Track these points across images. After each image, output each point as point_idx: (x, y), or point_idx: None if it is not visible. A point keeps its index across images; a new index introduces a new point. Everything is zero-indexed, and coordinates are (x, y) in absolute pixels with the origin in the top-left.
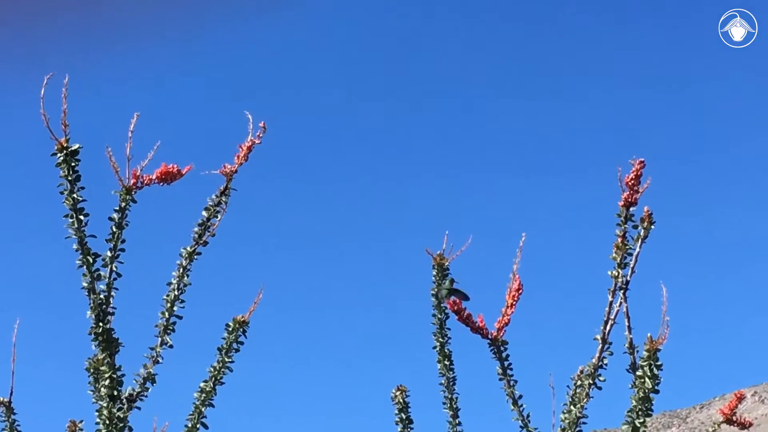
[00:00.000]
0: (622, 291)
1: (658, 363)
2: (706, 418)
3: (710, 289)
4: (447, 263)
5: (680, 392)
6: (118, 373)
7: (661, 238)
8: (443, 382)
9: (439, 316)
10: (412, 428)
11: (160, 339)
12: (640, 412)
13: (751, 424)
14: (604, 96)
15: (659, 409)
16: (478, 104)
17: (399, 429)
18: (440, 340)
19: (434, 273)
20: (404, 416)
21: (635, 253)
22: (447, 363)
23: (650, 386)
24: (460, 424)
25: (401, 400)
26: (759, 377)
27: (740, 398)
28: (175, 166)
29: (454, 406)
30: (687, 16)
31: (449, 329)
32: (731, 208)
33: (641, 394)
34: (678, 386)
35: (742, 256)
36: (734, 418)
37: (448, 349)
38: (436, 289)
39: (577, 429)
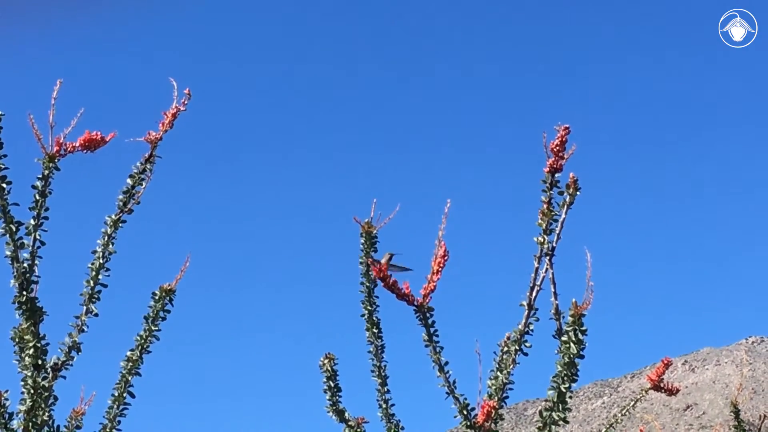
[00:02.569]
0: (547, 257)
1: (583, 328)
2: (636, 387)
3: (641, 258)
4: (375, 231)
5: (612, 361)
6: (43, 342)
7: (587, 204)
8: (371, 350)
9: (367, 284)
10: (340, 396)
11: (85, 307)
12: (565, 378)
13: (678, 391)
14: (602, 94)
15: (591, 378)
16: (407, 71)
17: (327, 397)
18: (368, 308)
19: (362, 241)
20: (332, 384)
21: (561, 220)
22: (375, 331)
23: (575, 351)
24: (388, 391)
25: (329, 368)
26: (689, 346)
27: (667, 365)
28: (99, 133)
29: (383, 374)
30: (687, 16)
31: (377, 297)
32: (674, 181)
33: (566, 360)
34: (609, 356)
35: (673, 224)
36: (662, 385)
37: (376, 317)
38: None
39: (504, 395)
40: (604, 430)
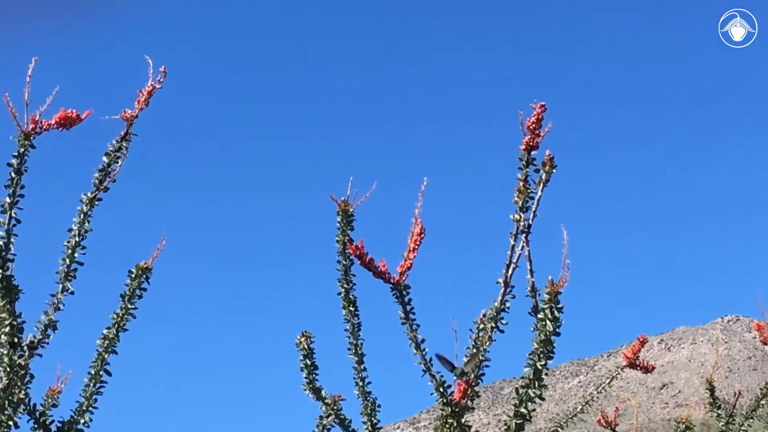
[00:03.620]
0: (524, 234)
1: (559, 306)
2: (613, 366)
3: (617, 237)
4: (352, 209)
5: (588, 341)
6: (19, 320)
7: (565, 183)
8: (348, 328)
9: (344, 263)
10: (317, 374)
11: (61, 285)
12: (541, 355)
13: (653, 368)
14: (602, 94)
15: (567, 357)
16: (384, 49)
17: (304, 375)
18: (345, 286)
19: (339, 219)
20: (309, 362)
21: (537, 197)
22: (352, 309)
23: (551, 329)
24: (365, 369)
25: (306, 347)
26: (665, 325)
27: (643, 342)
28: (75, 111)
29: (359, 352)
30: (687, 16)
31: (354, 276)
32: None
33: (542, 337)
34: (586, 335)
35: (650, 205)
36: (637, 362)
37: (353, 296)
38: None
39: (480, 372)
40: (580, 407)
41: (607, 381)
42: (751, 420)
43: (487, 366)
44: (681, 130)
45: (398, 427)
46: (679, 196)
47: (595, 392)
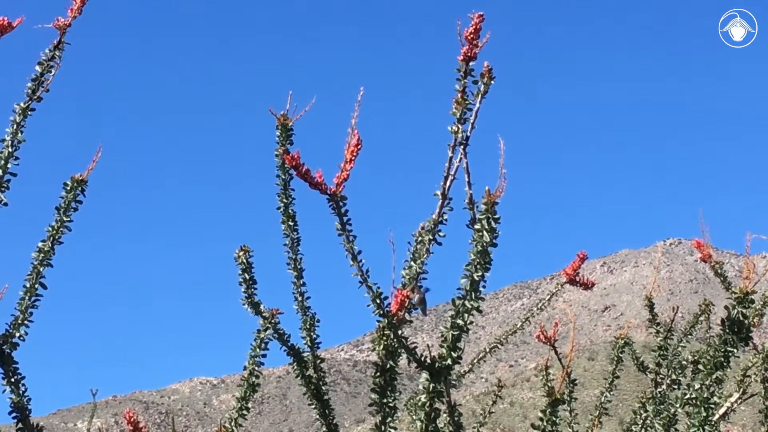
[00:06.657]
0: (462, 146)
1: (496, 216)
2: (555, 288)
3: (559, 157)
4: (291, 123)
5: (531, 264)
6: None
7: (502, 93)
8: (287, 243)
9: (283, 177)
10: (255, 288)
11: None
12: (478, 266)
13: (593, 284)
14: (602, 94)
15: (511, 280)
16: None
17: (243, 289)
18: (284, 200)
19: (278, 133)
20: (248, 276)
21: (475, 109)
22: (291, 224)
23: (488, 240)
24: (304, 284)
25: (244, 261)
26: (608, 248)
27: (583, 258)
28: (6, 18)
29: (298, 267)
30: (687, 16)
31: (293, 190)
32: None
33: (479, 248)
34: (529, 258)
35: (594, 125)
36: (577, 279)
37: (292, 210)
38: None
39: (418, 284)
40: (520, 323)
41: (548, 297)
42: (689, 337)
43: (424, 278)
44: (681, 128)
45: (342, 350)
46: (623, 115)
47: (536, 309)
